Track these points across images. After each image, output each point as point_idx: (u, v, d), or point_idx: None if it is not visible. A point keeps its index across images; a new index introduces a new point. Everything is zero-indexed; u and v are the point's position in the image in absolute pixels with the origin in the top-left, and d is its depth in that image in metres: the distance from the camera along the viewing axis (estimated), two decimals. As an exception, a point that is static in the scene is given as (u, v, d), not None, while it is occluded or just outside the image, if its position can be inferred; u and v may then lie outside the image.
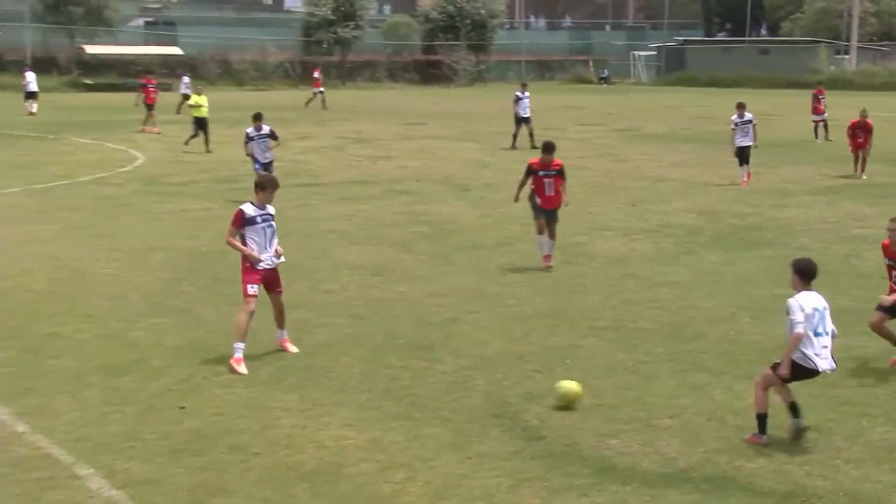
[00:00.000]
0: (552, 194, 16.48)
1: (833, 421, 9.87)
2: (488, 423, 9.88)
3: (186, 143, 34.15)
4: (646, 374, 11.38)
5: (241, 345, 11.48)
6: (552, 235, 16.58)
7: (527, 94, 36.94)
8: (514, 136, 36.22)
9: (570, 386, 10.38)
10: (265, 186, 11.92)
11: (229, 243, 11.77)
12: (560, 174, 16.53)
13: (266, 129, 23.08)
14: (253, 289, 11.56)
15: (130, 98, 50.64)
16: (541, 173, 16.49)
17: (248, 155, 23.28)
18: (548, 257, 16.57)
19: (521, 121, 36.51)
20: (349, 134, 41.24)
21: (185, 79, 54.77)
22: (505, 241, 19.11)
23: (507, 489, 8.41)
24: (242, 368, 11.32)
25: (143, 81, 44.59)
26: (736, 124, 26.35)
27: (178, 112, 48.73)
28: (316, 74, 59.82)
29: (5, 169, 28.85)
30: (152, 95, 42.33)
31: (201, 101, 34.62)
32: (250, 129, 23.06)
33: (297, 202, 23.49)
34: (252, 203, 11.74)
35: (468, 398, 10.58)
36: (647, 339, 12.73)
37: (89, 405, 10.29)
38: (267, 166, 22.71)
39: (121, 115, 48.32)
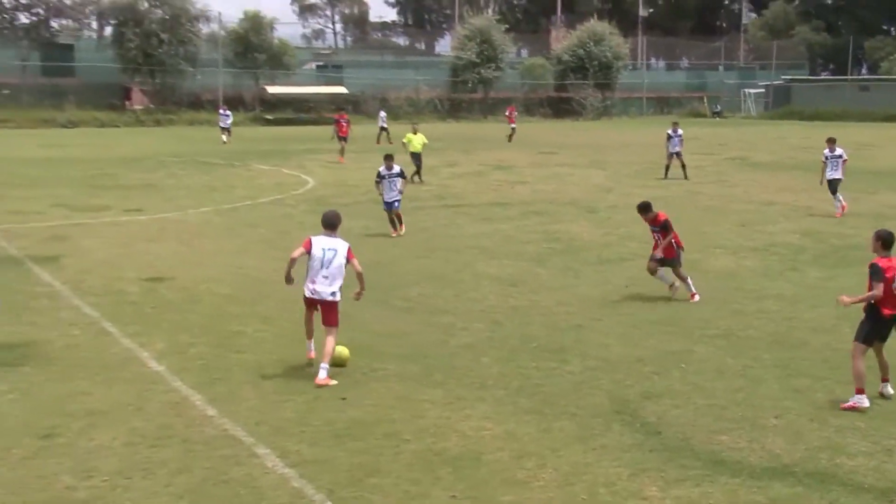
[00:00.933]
0: (666, 246, 15.09)
1: (928, 425, 9.46)
2: (611, 418, 9.76)
3: (411, 178, 31.51)
4: (753, 378, 11.09)
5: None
6: (677, 276, 15.19)
7: (679, 132, 34.19)
8: (683, 167, 33.90)
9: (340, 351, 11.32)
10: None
11: (362, 276, 11.53)
12: (663, 229, 15.07)
13: (396, 168, 21.54)
14: None
15: (302, 131, 51.37)
16: (651, 229, 15.39)
17: (378, 194, 21.93)
18: (678, 289, 15.17)
19: (671, 155, 34.04)
20: (490, 161, 41.29)
21: (382, 113, 55.38)
22: (627, 256, 18.88)
23: (628, 478, 8.29)
24: (333, 381, 10.85)
25: (336, 117, 44.16)
26: (827, 158, 24.85)
27: (387, 142, 48.87)
28: (508, 113, 58.31)
29: (201, 191, 29.75)
30: (345, 129, 41.71)
31: (415, 139, 33.16)
32: (382, 168, 21.51)
33: (445, 221, 23.64)
34: None
35: (593, 396, 10.47)
36: (755, 347, 12.42)
37: (266, 394, 10.51)
38: (391, 205, 21.43)
39: (295, 145, 49.41)
